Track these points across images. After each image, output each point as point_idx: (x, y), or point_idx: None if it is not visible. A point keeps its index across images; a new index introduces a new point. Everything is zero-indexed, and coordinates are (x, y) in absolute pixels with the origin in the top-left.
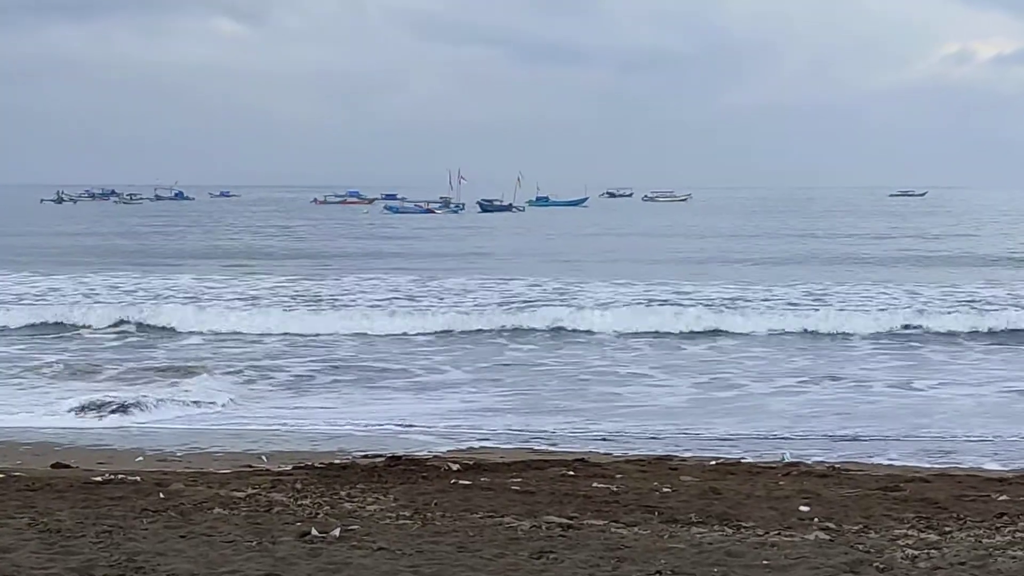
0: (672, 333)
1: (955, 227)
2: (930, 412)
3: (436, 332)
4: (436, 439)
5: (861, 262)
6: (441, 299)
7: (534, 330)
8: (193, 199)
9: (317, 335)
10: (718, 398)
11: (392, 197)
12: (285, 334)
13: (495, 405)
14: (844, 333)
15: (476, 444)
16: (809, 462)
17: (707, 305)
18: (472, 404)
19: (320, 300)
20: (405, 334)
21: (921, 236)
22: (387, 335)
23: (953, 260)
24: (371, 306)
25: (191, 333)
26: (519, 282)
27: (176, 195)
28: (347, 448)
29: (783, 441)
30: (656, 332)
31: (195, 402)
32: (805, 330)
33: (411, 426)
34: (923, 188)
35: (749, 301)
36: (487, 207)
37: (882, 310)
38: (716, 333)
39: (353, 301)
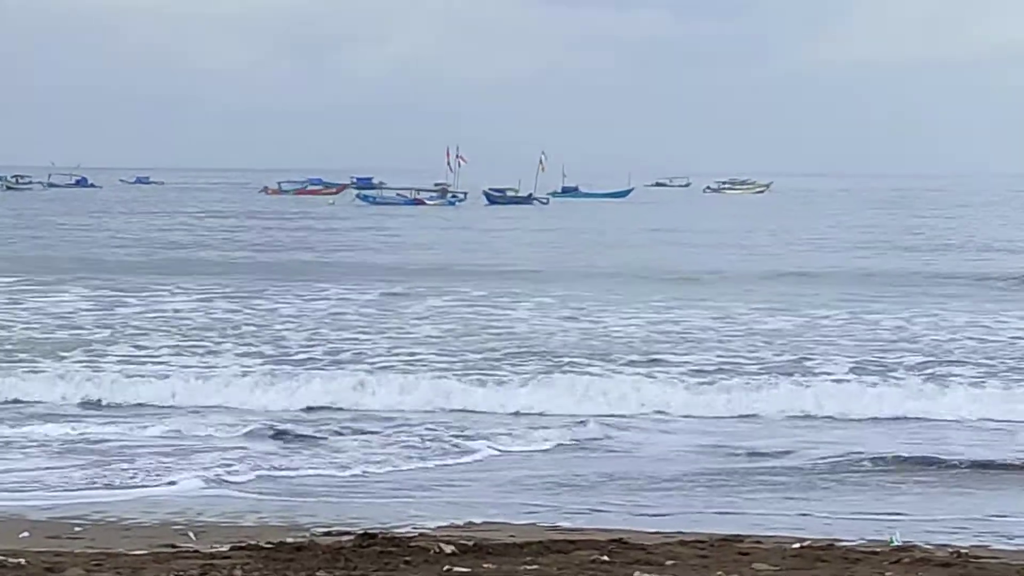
0: None
1: None
2: None
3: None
4: (425, 509)
5: None
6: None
7: None
8: (100, 187)
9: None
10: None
11: (366, 183)
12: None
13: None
14: None
15: (478, 519)
16: (928, 545)
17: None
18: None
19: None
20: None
21: None
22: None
23: None
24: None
25: None
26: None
27: (78, 181)
28: (303, 519)
29: (894, 520)
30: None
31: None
32: None
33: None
34: None
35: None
36: (497, 198)
37: None
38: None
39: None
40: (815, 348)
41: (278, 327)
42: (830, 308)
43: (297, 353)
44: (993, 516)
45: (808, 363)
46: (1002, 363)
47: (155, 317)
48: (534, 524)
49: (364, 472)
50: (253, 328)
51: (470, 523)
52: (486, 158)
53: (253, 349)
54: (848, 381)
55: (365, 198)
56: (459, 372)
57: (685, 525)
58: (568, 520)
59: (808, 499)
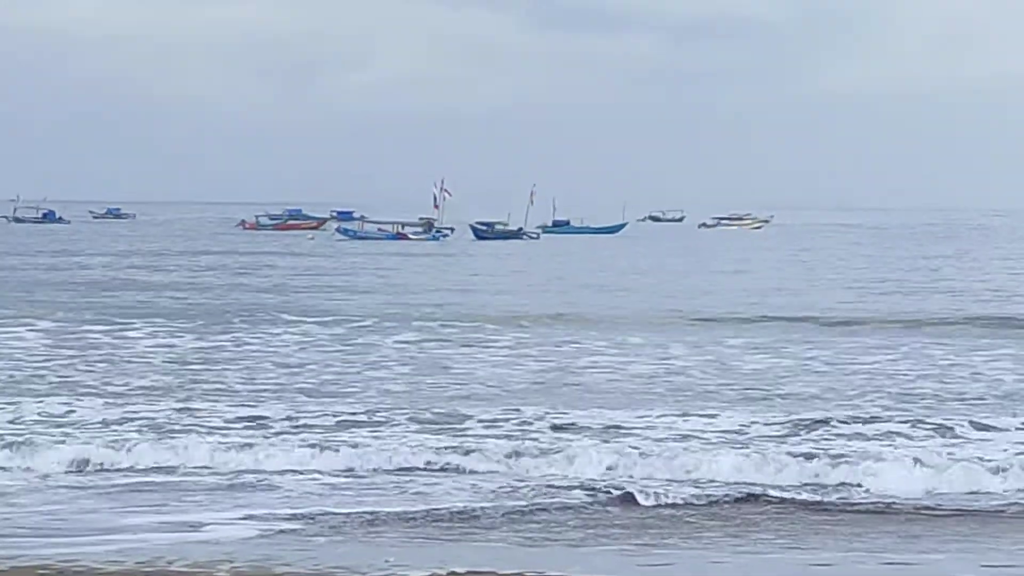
0: None
1: None
2: None
3: None
4: (404, 557)
5: None
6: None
7: None
8: (68, 222)
9: None
10: None
11: (347, 216)
12: None
13: None
14: None
15: (461, 568)
16: None
17: None
18: None
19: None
20: None
21: None
22: None
23: None
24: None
25: None
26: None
27: (45, 215)
28: (276, 565)
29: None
30: None
31: None
32: None
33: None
34: None
35: None
36: (484, 233)
37: None
38: None
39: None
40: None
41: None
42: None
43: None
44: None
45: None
46: None
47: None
48: (521, 574)
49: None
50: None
51: (453, 572)
52: (474, 191)
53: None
54: None
55: (346, 232)
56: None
57: (678, 573)
58: (556, 568)
59: None
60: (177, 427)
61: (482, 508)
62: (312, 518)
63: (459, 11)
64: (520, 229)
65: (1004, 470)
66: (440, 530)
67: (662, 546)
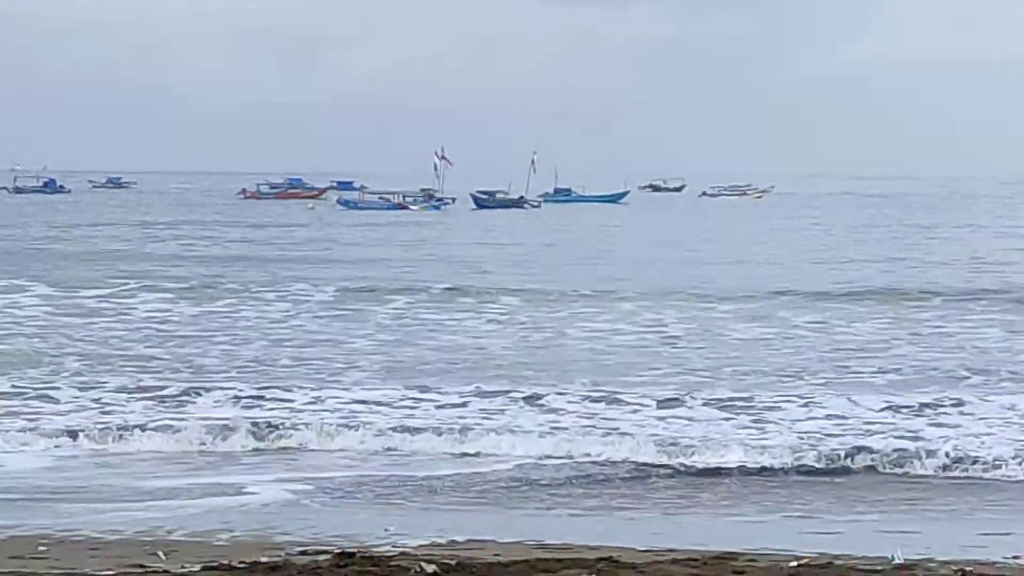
0: None
1: None
2: None
3: None
4: (407, 524)
5: None
6: None
7: None
8: (69, 191)
9: None
10: None
11: (347, 186)
12: None
13: None
14: None
15: (460, 537)
16: (931, 563)
17: None
18: None
19: None
20: None
21: None
22: None
23: None
24: None
25: None
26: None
27: (46, 183)
28: (277, 537)
29: (895, 535)
30: None
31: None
32: None
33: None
34: None
35: None
36: (485, 202)
37: None
38: None
39: None
40: None
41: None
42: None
43: None
44: (993, 533)
45: None
46: None
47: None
48: (520, 542)
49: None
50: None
51: (453, 541)
52: (477, 161)
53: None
54: None
55: (346, 203)
56: None
57: (676, 540)
58: (555, 537)
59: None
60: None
61: (482, 479)
62: (314, 487)
63: None
64: (521, 198)
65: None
66: (440, 499)
67: (666, 514)
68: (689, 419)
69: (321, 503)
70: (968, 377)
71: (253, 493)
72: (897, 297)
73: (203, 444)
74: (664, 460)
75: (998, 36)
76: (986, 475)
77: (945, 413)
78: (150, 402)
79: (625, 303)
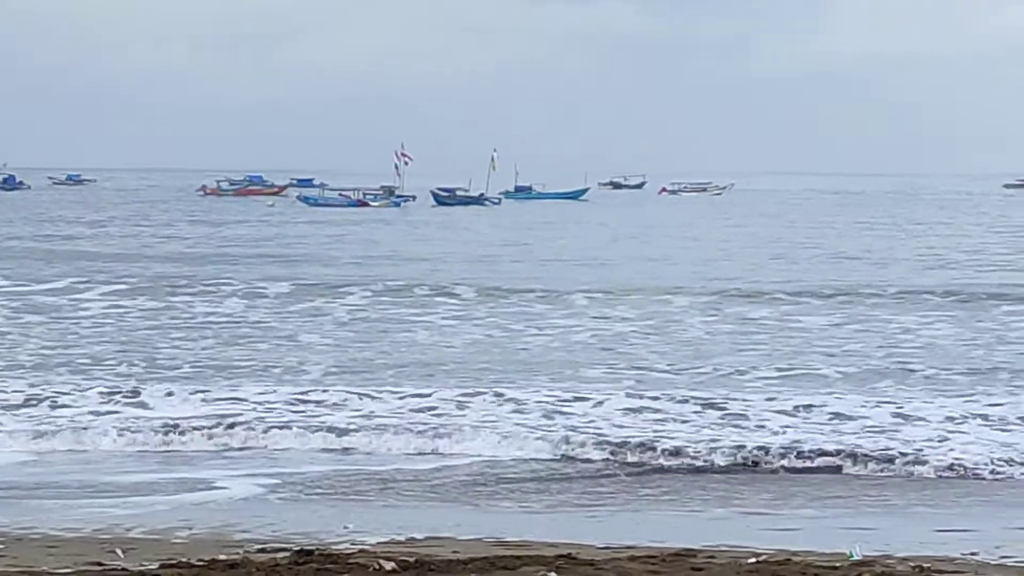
0: None
1: None
2: None
3: None
4: (366, 521)
5: None
6: None
7: None
8: (28, 187)
9: None
10: None
11: (307, 183)
12: None
13: None
14: None
15: (419, 534)
16: (891, 559)
17: None
18: None
19: None
20: None
21: None
22: None
23: None
24: None
25: None
26: None
27: (5, 179)
28: (236, 535)
29: (854, 531)
30: None
31: None
32: None
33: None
34: None
35: None
36: (445, 199)
37: None
38: None
39: None
40: None
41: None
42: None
43: None
44: (956, 530)
45: None
46: None
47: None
48: (479, 539)
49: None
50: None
51: (412, 538)
52: (438, 158)
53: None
54: None
55: (306, 199)
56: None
57: (635, 537)
58: (514, 534)
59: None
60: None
61: (441, 476)
62: (274, 485)
63: None
64: (481, 195)
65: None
66: (400, 496)
67: (625, 511)
68: (648, 416)
69: (281, 500)
70: (925, 374)
71: (214, 490)
72: (852, 295)
73: (160, 442)
74: (623, 458)
75: (964, 32)
76: (944, 473)
77: (904, 412)
78: (104, 398)
79: (581, 298)
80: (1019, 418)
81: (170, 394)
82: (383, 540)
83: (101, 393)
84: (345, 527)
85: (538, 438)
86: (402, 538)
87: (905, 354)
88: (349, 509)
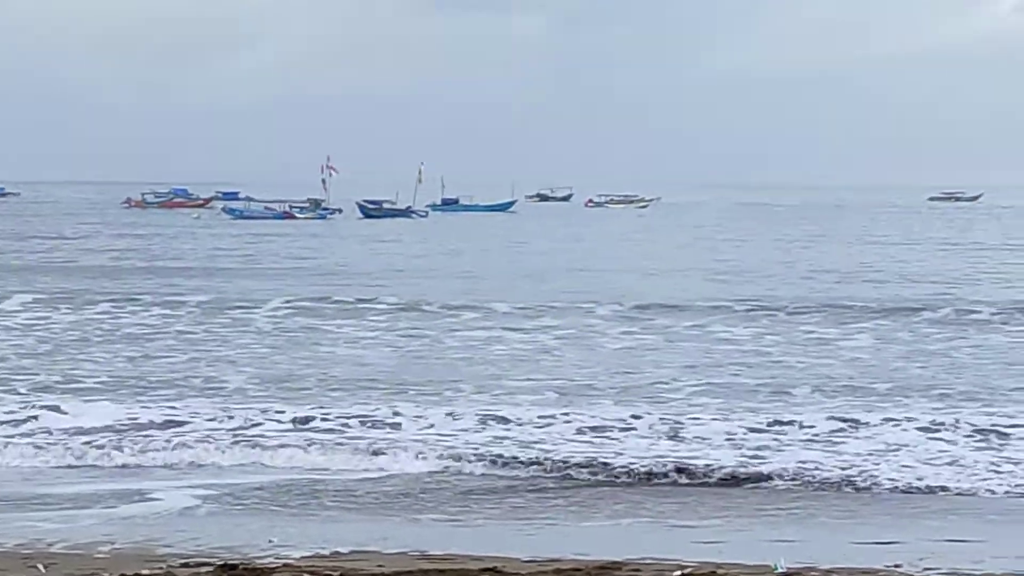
0: None
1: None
2: None
3: None
4: (290, 535)
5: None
6: None
7: None
8: None
9: None
10: None
11: (232, 196)
12: None
13: None
14: None
15: (344, 548)
16: (815, 571)
17: None
18: None
19: None
20: None
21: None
22: None
23: None
24: None
25: None
26: None
27: None
28: (157, 546)
29: (780, 544)
30: None
31: None
32: None
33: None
34: (976, 189)
35: None
36: (372, 211)
37: None
38: None
39: None
40: None
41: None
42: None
43: None
44: (880, 542)
45: None
46: None
47: None
48: (404, 553)
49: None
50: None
51: (336, 552)
52: (366, 171)
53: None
54: None
55: (231, 211)
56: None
57: (561, 550)
58: (439, 547)
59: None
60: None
61: (367, 489)
62: (198, 499)
63: None
64: (408, 207)
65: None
66: (326, 509)
67: (551, 524)
68: (572, 428)
69: (207, 514)
70: (851, 386)
71: (140, 503)
72: (772, 308)
73: (83, 455)
74: (549, 471)
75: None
76: (869, 486)
77: (828, 424)
78: (19, 411)
79: (504, 309)
80: (941, 429)
81: (91, 404)
82: (307, 554)
83: (20, 405)
84: (270, 541)
85: (462, 451)
86: (327, 552)
87: (829, 366)
88: (275, 522)
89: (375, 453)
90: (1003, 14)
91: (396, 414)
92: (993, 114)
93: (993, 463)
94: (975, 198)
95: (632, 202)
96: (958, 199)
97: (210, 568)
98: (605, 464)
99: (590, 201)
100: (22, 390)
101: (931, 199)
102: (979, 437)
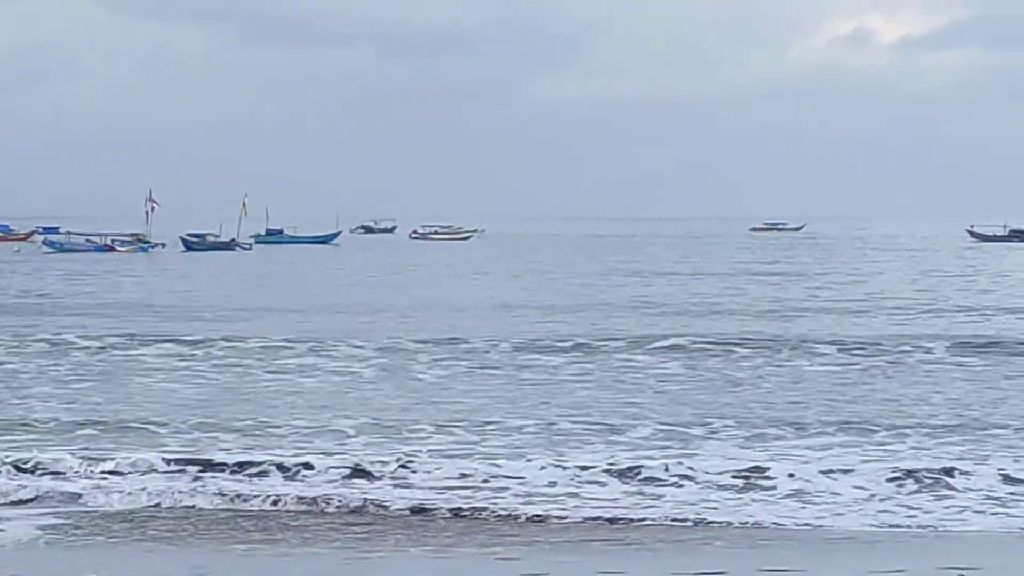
0: None
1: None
2: None
3: None
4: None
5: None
6: None
7: None
8: None
9: None
10: None
11: (53, 231)
12: None
13: None
14: None
15: None
16: None
17: None
18: None
19: None
20: None
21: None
22: None
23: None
24: None
25: None
26: None
27: None
28: None
29: None
30: None
31: None
32: None
33: None
34: (798, 220)
35: None
36: (195, 244)
37: None
38: None
39: None
40: None
41: None
42: None
43: None
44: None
45: None
46: None
47: None
48: None
49: None
50: None
51: None
52: (190, 205)
53: None
54: None
55: (52, 244)
56: None
57: None
58: None
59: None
60: None
61: (176, 518)
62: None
63: (168, 26)
64: (232, 240)
65: None
66: (149, 538)
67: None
68: (376, 461)
69: (26, 546)
70: (658, 421)
71: None
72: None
73: None
74: (345, 502)
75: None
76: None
77: (627, 460)
78: None
79: (320, 344)
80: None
81: None
82: None
83: None
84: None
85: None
86: None
87: (640, 401)
88: (92, 555)
89: (178, 486)
90: (818, 47)
91: (205, 446)
92: (819, 146)
93: None
94: (797, 228)
95: (454, 234)
96: (780, 229)
97: None
98: (382, 499)
99: (415, 232)
100: None
101: (753, 229)
102: None
